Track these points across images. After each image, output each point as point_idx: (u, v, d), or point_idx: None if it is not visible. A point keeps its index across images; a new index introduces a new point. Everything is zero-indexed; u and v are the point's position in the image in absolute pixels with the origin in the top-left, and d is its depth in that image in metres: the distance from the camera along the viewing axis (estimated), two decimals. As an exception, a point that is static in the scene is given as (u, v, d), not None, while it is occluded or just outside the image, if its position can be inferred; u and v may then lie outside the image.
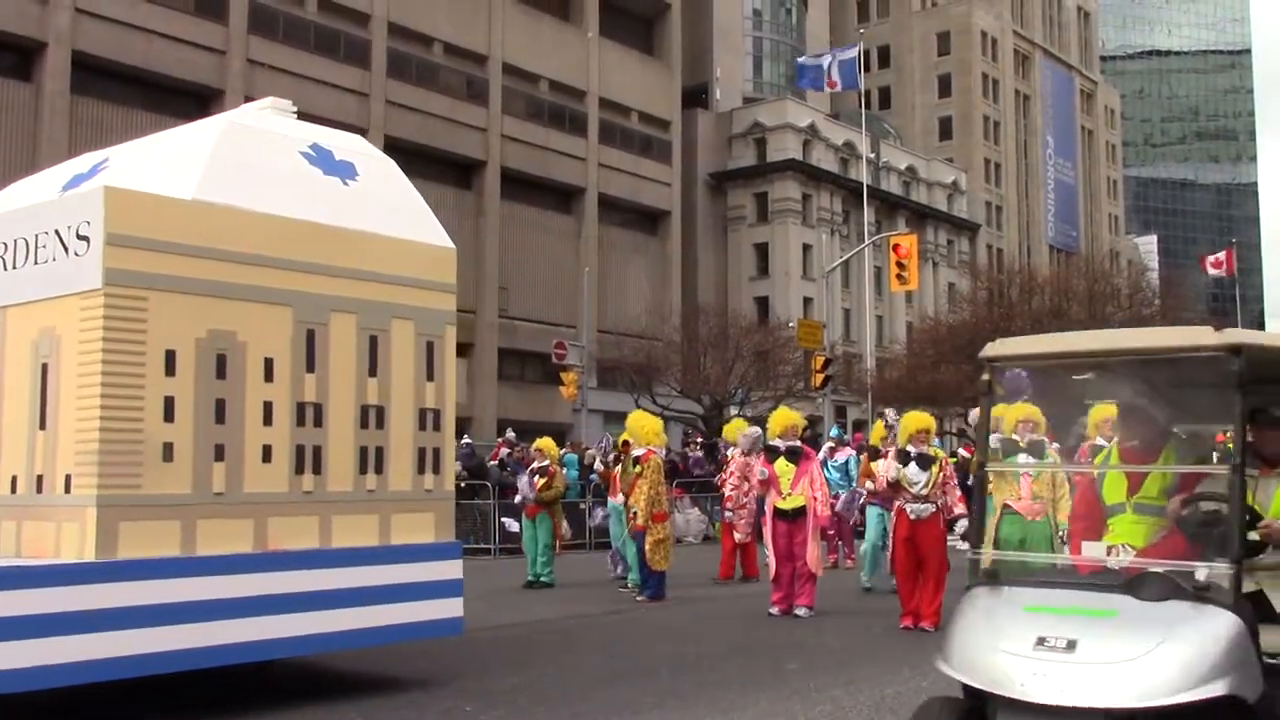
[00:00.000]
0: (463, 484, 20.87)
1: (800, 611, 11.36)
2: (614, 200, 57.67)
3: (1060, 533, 9.67)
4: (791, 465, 11.59)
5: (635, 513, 12.62)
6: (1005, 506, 9.88)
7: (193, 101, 40.25)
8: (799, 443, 11.90)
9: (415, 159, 49.36)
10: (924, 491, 10.52)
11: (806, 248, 68.35)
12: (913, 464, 10.64)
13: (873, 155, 70.36)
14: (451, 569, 8.14)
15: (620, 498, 13.74)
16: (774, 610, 11.39)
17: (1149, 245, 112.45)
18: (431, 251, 8.92)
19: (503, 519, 20.88)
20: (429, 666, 8.84)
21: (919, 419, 11.14)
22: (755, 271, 68.21)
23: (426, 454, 8.15)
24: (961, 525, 10.70)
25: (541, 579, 14.56)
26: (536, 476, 14.89)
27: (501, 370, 52.02)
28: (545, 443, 15.44)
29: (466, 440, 24.99)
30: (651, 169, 60.11)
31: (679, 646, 9.67)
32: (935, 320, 58.81)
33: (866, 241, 50.34)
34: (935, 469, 10.58)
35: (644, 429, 13.45)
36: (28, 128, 38.04)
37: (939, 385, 46.75)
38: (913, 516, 10.53)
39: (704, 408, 46.25)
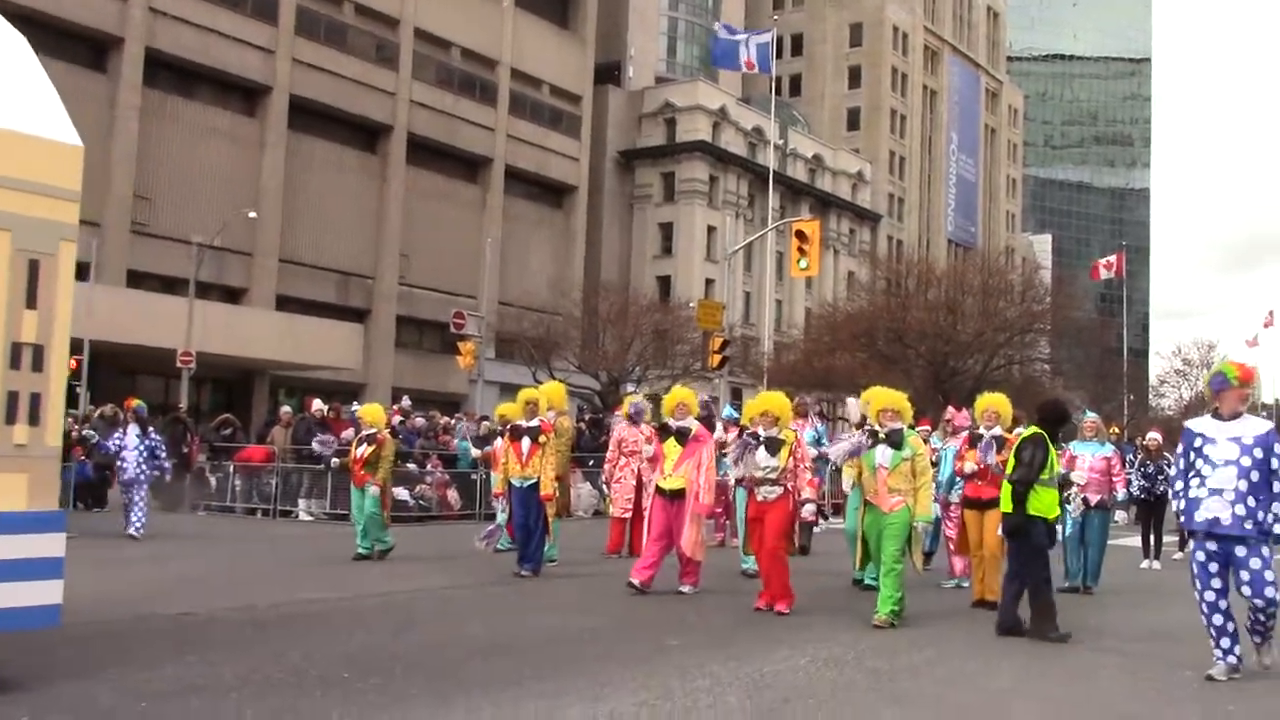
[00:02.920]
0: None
1: (684, 588, 11.34)
2: (521, 172, 57.30)
3: (918, 523, 9.80)
4: (679, 446, 11.48)
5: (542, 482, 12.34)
6: (866, 501, 9.97)
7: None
8: (694, 423, 11.71)
9: (321, 120, 48.58)
10: (772, 475, 10.33)
11: (711, 229, 68.68)
12: (761, 448, 10.43)
13: (781, 142, 70.88)
14: (49, 544, 6.71)
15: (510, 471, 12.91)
16: (633, 581, 11.06)
17: (1044, 244, 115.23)
18: (45, 147, 6.70)
19: (392, 487, 20.63)
20: (310, 631, 8.73)
21: (768, 400, 10.86)
22: (659, 250, 68.36)
23: (19, 400, 6.46)
24: (809, 509, 10.56)
25: (375, 548, 13.86)
26: (365, 445, 14.14)
27: (399, 338, 51.49)
28: (368, 410, 14.76)
29: (355, 407, 24.63)
30: (560, 143, 59.83)
31: (563, 620, 9.67)
32: (834, 307, 59.60)
33: (770, 226, 50.72)
34: (785, 452, 10.36)
35: (554, 395, 13.79)
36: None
37: (834, 371, 47.42)
38: (759, 498, 10.43)
39: (601, 384, 46.27)
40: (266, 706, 6.20)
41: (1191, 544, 7.85)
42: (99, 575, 12.30)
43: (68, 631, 8.44)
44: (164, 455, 17.21)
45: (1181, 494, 7.73)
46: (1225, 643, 7.50)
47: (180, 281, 38.97)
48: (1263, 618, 7.55)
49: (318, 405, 22.62)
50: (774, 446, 10.41)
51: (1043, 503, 9.06)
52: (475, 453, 18.84)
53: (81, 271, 36.94)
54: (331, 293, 48.75)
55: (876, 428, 10.01)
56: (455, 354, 40.33)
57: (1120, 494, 13.18)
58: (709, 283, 65.97)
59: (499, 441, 14.10)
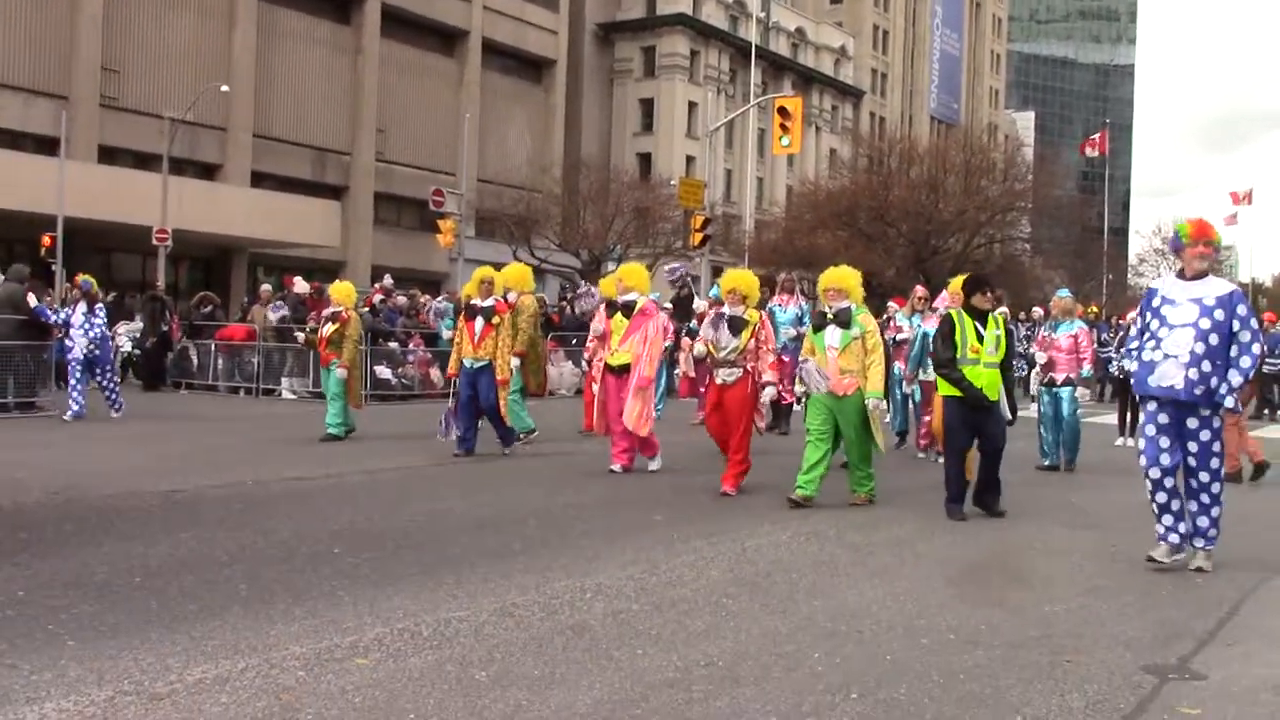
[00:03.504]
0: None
1: (653, 465, 11.32)
2: (498, 46, 56.20)
3: (868, 400, 9.40)
4: (625, 321, 11.38)
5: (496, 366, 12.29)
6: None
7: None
8: (639, 297, 11.45)
9: (292, -11, 47.36)
10: (732, 356, 10.07)
11: (692, 105, 67.82)
12: (724, 326, 10.18)
13: (763, 15, 69.67)
14: None
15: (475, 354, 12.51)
16: (614, 467, 11.16)
17: (1026, 121, 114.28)
18: None
19: (374, 366, 20.72)
20: (299, 508, 8.84)
21: (735, 278, 10.52)
22: (639, 127, 67.56)
23: None
24: (769, 392, 10.17)
25: (331, 430, 13.71)
26: (329, 324, 13.95)
27: (377, 215, 51.02)
28: (338, 287, 14.51)
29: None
30: (538, 15, 58.60)
31: (547, 496, 9.80)
32: (815, 185, 59.33)
33: (752, 102, 50.10)
34: (746, 334, 10.05)
35: (514, 275, 13.73)
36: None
37: (816, 249, 47.37)
38: (719, 381, 10.18)
39: (582, 262, 46.16)
40: (259, 581, 6.31)
41: (1142, 414, 7.33)
42: (86, 452, 12.38)
43: (61, 507, 8.55)
44: (104, 335, 16.26)
45: (1135, 355, 7.33)
46: (1167, 520, 7.17)
47: (153, 157, 38.32)
48: (1206, 499, 7.13)
49: (299, 283, 22.53)
50: (736, 326, 10.12)
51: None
52: (446, 334, 18.34)
53: (51, 145, 36.51)
54: (308, 169, 48.10)
55: (825, 308, 9.76)
56: (435, 232, 39.98)
57: (1085, 371, 13.22)
58: (690, 160, 65.37)
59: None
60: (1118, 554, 7.69)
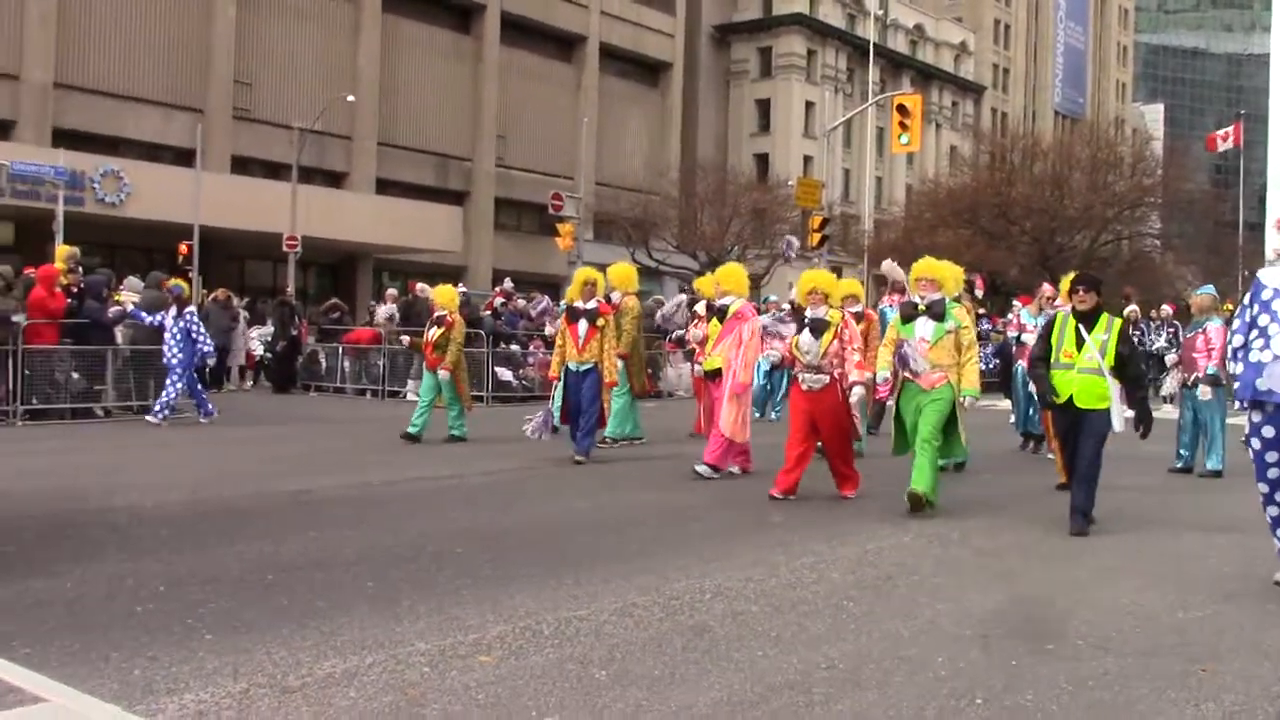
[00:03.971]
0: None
1: (699, 468, 10.86)
2: (615, 50, 56.54)
3: (964, 399, 9.13)
4: (719, 325, 11.17)
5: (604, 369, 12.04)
6: (905, 378, 9.31)
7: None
8: (736, 300, 11.23)
9: (413, 1, 48.29)
10: (816, 361, 9.63)
11: (809, 105, 67.33)
12: (806, 330, 9.73)
13: (880, 12, 68.85)
14: None
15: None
16: (701, 469, 10.85)
17: (1155, 114, 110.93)
18: None
19: (495, 368, 21.02)
20: (423, 508, 9.01)
21: (814, 278, 10.06)
22: (756, 128, 67.29)
23: None
24: (857, 392, 9.66)
25: (453, 432, 14.02)
26: (434, 328, 14.07)
27: (498, 220, 51.70)
28: (441, 291, 14.59)
29: (462, 289, 24.99)
30: (655, 19, 58.79)
31: (663, 497, 9.84)
32: (935, 183, 58.37)
33: (870, 101, 49.55)
34: (829, 335, 9.61)
35: (618, 275, 13.66)
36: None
37: (936, 248, 46.41)
38: (804, 387, 9.72)
39: (699, 264, 46.14)
40: (386, 579, 6.44)
41: (1248, 423, 6.58)
42: (218, 454, 12.78)
43: (194, 506, 8.85)
44: (204, 339, 16.06)
45: (1241, 356, 6.51)
46: None
47: (283, 166, 39.49)
48: None
49: (421, 288, 22.93)
50: (818, 329, 9.68)
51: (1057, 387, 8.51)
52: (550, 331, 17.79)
53: (188, 157, 37.81)
54: (430, 175, 48.99)
55: (916, 299, 9.37)
56: (554, 235, 40.40)
57: (1210, 368, 12.28)
58: (807, 160, 64.88)
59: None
60: (1256, 560, 7.41)
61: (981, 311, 29.56)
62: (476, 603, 5.92)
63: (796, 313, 11.88)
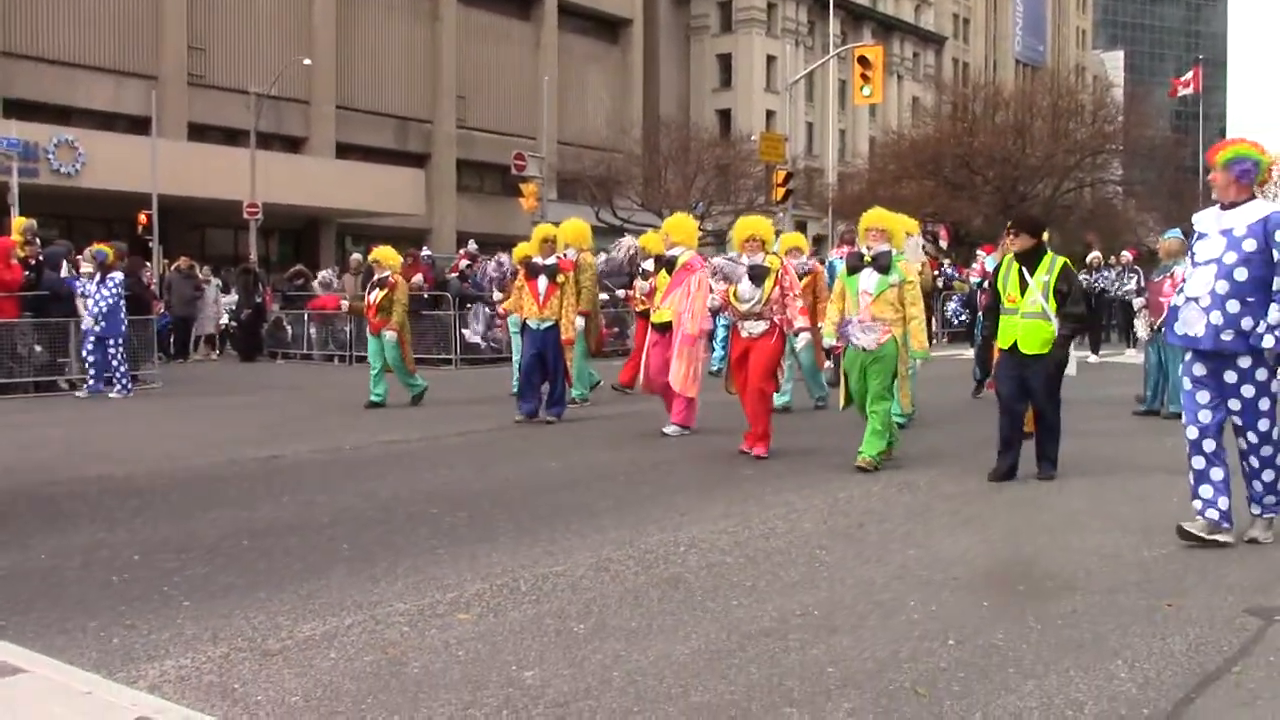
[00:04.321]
0: (425, 295, 20.94)
1: (668, 429, 10.82)
2: (575, 7, 56.09)
3: (915, 361, 8.96)
4: (668, 277, 10.86)
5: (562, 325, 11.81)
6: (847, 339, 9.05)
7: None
8: (684, 252, 10.87)
9: (368, -40, 47.68)
10: (757, 308, 9.44)
11: (770, 59, 67.12)
12: (745, 278, 9.48)
13: (840, -37, 68.43)
14: None
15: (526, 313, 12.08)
16: (668, 430, 10.80)
17: (1115, 61, 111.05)
18: None
19: (462, 330, 20.97)
20: (395, 470, 9.02)
21: (751, 224, 9.76)
22: (718, 83, 67.07)
23: None
24: (802, 339, 9.61)
25: (413, 393, 13.87)
26: (376, 290, 13.64)
27: (460, 182, 51.39)
28: (383, 251, 14.05)
29: (427, 252, 24.88)
30: (613, -26, 58.34)
31: (633, 454, 9.88)
32: (899, 135, 58.35)
33: (831, 53, 49.46)
34: (770, 282, 9.40)
35: (572, 232, 13.43)
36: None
37: (900, 200, 46.62)
38: (744, 334, 9.57)
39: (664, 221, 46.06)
40: (361, 541, 6.46)
41: (1180, 366, 6.55)
42: (187, 424, 12.74)
43: (165, 476, 8.82)
44: (122, 306, 15.38)
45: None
46: (1206, 492, 6.26)
47: (241, 132, 39.04)
48: (1256, 462, 6.24)
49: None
50: (758, 275, 9.46)
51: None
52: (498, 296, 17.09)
53: (143, 125, 37.34)
54: (390, 139, 48.58)
55: (863, 250, 9.09)
56: (518, 196, 40.21)
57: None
58: (770, 114, 64.79)
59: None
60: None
61: (947, 261, 29.75)
62: (453, 561, 5.96)
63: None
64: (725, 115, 64.60)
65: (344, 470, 9.13)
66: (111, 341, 15.24)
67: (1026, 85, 61.22)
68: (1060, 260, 8.36)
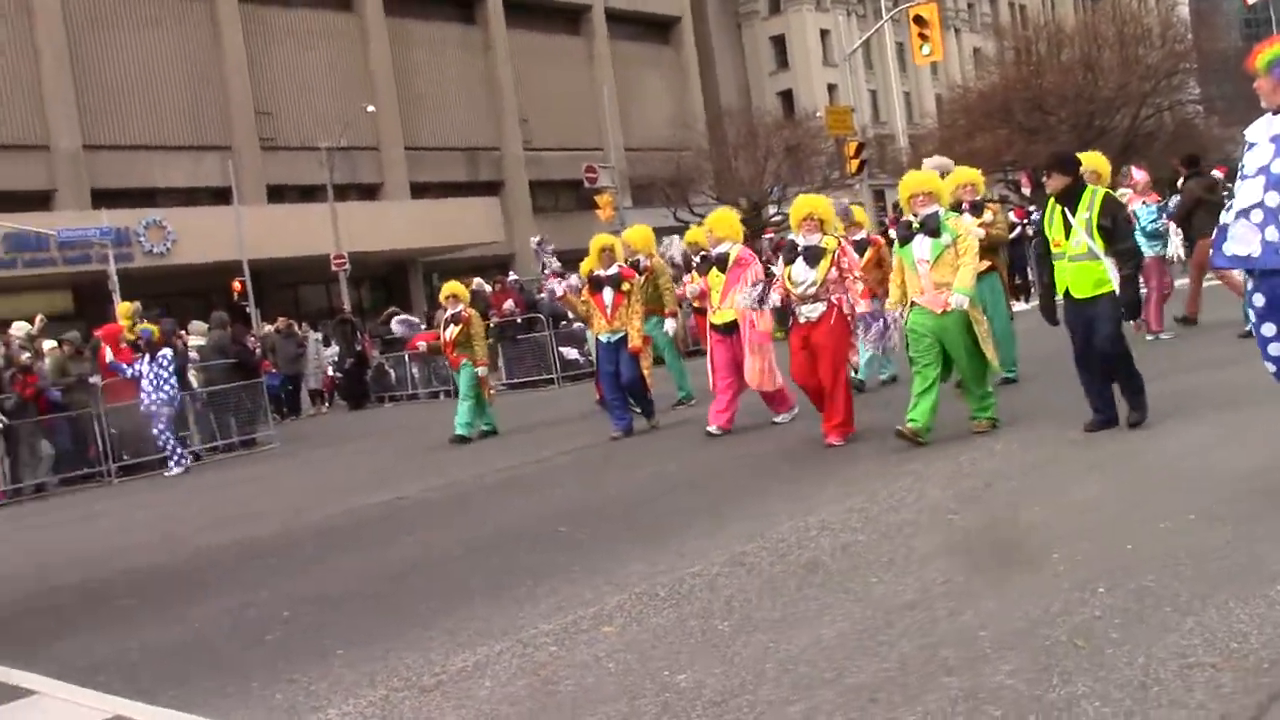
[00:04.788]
0: (518, 319, 21.16)
1: (777, 419, 10.70)
2: (621, 13, 56.19)
3: (960, 299, 8.28)
4: (722, 275, 10.51)
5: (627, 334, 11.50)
6: (912, 302, 8.61)
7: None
8: (734, 247, 10.60)
9: (415, 1, 48.33)
10: (812, 290, 9.09)
11: (824, 33, 66.51)
12: (799, 260, 9.15)
13: (881, -75, 67.64)
14: None
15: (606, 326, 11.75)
16: (711, 429, 10.51)
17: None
18: None
19: (560, 348, 21.13)
20: (515, 497, 9.11)
21: (810, 202, 9.44)
22: (775, 66, 66.65)
23: None
24: (874, 326, 9.10)
25: (484, 428, 13.72)
26: (451, 326, 13.53)
27: (535, 203, 51.77)
28: (452, 286, 13.90)
29: (514, 277, 25.12)
30: (655, -26, 58.34)
31: (747, 449, 9.82)
32: (964, 88, 57.42)
33: (885, 17, 48.84)
34: (825, 263, 9.05)
35: (634, 237, 13.07)
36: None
37: (975, 153, 45.91)
38: (802, 319, 9.19)
39: (743, 210, 45.93)
40: (495, 569, 6.56)
41: (1246, 294, 5.78)
42: (304, 478, 13.03)
43: (292, 533, 9.04)
44: (171, 382, 15.15)
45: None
46: None
47: (317, 188, 39.82)
48: None
49: (478, 283, 23.01)
50: (813, 257, 9.09)
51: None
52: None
53: (223, 195, 38.22)
54: (461, 171, 49.15)
55: (911, 218, 8.65)
56: (593, 208, 40.41)
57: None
58: (831, 88, 64.14)
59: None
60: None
61: (1032, 208, 29.17)
62: (588, 577, 6.01)
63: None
64: (787, 96, 64.18)
65: (463, 503, 9.26)
66: (164, 417, 15.01)
67: (1089, 18, 59.86)
68: (1100, 193, 7.75)
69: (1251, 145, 5.69)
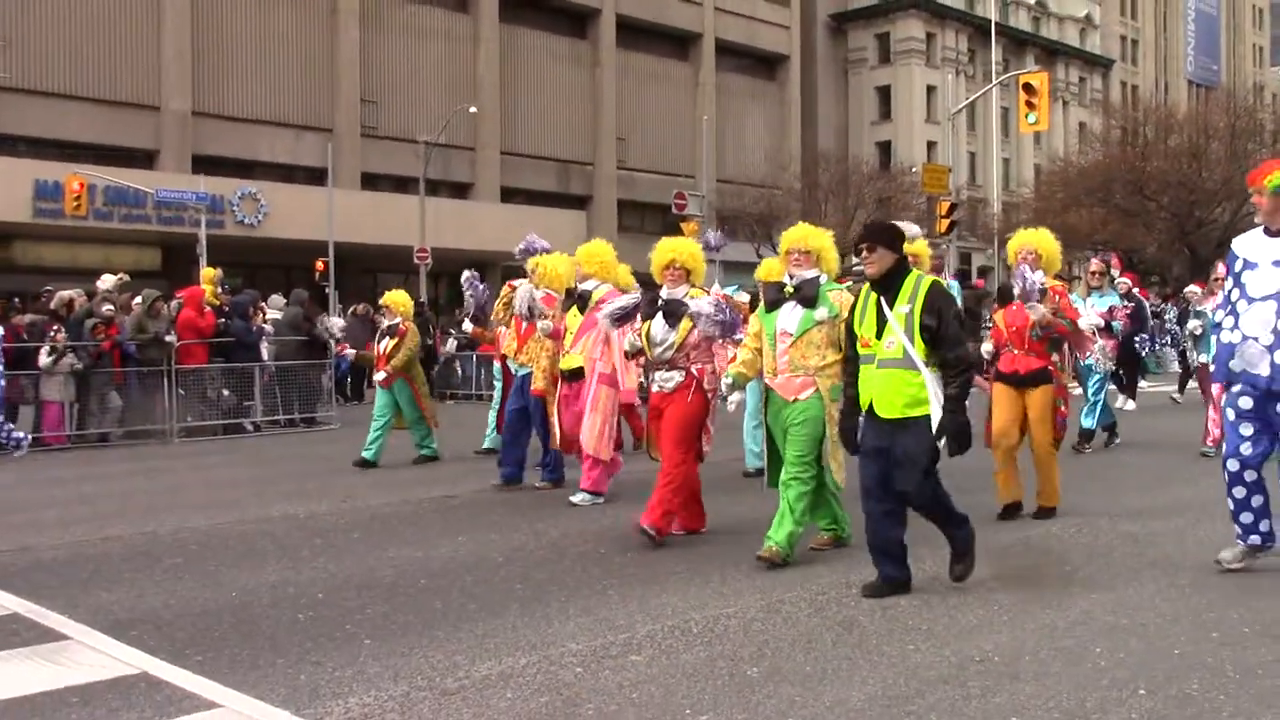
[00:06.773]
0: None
1: (576, 498, 9.17)
2: (731, 46, 56.39)
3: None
4: (579, 316, 9.22)
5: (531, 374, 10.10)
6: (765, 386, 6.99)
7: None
8: (600, 285, 9.38)
9: (529, 9, 48.91)
10: (667, 354, 7.56)
11: (930, 89, 66.22)
12: (658, 315, 7.61)
13: (1001, -11, 67.35)
14: None
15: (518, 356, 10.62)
16: (575, 500, 9.21)
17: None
18: None
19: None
20: (563, 511, 9.11)
21: (673, 246, 7.79)
22: (877, 116, 66.48)
23: None
24: (734, 399, 7.05)
25: (423, 452, 12.69)
26: (386, 339, 12.45)
27: (621, 222, 51.95)
28: (394, 297, 12.87)
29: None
30: (769, 11, 58.48)
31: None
32: (1066, 162, 56.85)
33: (994, 82, 48.48)
34: (686, 324, 7.47)
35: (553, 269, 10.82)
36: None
37: (1068, 229, 45.35)
38: (655, 386, 7.68)
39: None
40: (534, 581, 6.56)
41: (1225, 395, 6.19)
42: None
43: (345, 515, 9.11)
44: None
45: (1216, 332, 6.22)
46: (1246, 518, 6.17)
47: (411, 180, 40.36)
48: None
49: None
50: (673, 315, 7.53)
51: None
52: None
53: (319, 176, 38.90)
54: (553, 181, 49.52)
55: (786, 278, 6.92)
56: (677, 235, 40.54)
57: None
58: (930, 145, 63.83)
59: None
60: None
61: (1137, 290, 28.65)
62: (624, 602, 6.00)
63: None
64: (885, 147, 63.95)
65: (514, 509, 9.27)
66: None
67: (1201, 106, 59.02)
68: (927, 281, 5.95)
69: (1249, 264, 5.91)
